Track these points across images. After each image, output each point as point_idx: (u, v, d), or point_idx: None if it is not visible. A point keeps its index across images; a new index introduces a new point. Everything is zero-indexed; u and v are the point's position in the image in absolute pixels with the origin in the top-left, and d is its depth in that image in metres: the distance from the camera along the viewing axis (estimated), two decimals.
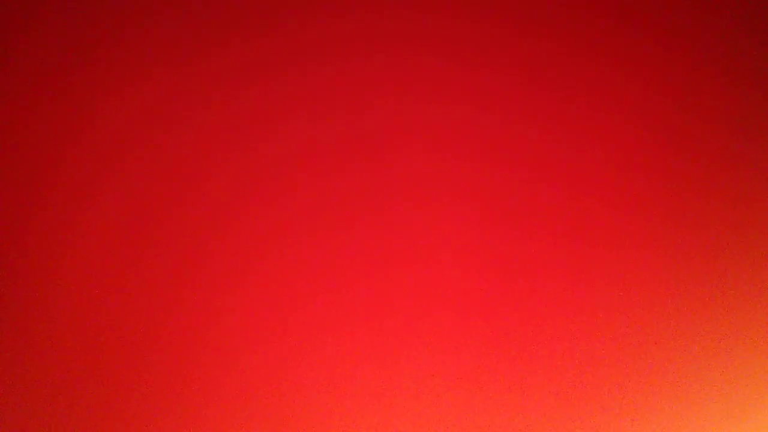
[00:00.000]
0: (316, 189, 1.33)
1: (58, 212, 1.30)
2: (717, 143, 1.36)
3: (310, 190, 1.33)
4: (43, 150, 1.31)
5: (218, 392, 1.28)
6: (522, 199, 1.34)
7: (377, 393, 1.29)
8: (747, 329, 1.32)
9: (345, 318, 1.30)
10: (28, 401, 1.26)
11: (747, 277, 1.33)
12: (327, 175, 1.33)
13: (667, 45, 1.38)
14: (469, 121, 1.36)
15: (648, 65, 1.37)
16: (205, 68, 1.34)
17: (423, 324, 1.31)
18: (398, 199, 1.33)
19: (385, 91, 1.36)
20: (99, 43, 1.33)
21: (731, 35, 1.38)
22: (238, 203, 1.32)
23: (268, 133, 1.34)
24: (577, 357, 1.31)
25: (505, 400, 1.30)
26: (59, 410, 1.26)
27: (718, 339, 1.32)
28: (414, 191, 1.34)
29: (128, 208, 1.31)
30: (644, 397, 1.31)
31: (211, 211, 1.31)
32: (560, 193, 1.34)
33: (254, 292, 1.30)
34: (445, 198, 1.34)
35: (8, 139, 1.31)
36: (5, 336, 1.27)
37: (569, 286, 1.32)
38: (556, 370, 1.30)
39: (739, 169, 1.35)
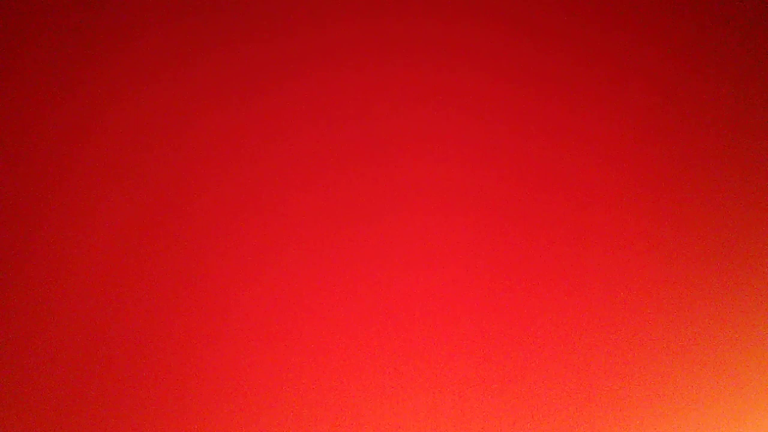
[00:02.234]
0: (320, 193, 1.33)
1: (61, 214, 1.30)
2: (716, 144, 1.36)
3: (314, 194, 1.33)
4: (47, 152, 1.31)
5: (223, 394, 1.28)
6: (524, 203, 1.34)
7: (381, 395, 1.29)
8: (747, 331, 1.33)
9: (349, 321, 1.30)
10: (29, 401, 1.26)
11: (747, 278, 1.34)
12: (331, 179, 1.34)
13: (666, 46, 1.38)
14: (469, 126, 1.36)
15: (648, 68, 1.38)
16: (210, 73, 1.34)
17: (427, 327, 1.31)
18: (402, 203, 1.34)
19: (388, 96, 1.36)
20: (106, 45, 1.33)
21: (731, 35, 1.39)
22: (243, 207, 1.32)
23: (273, 137, 1.34)
24: (579, 360, 1.31)
25: (510, 403, 1.30)
26: (61, 410, 1.26)
27: (718, 341, 1.33)
28: (418, 195, 1.34)
29: (132, 210, 1.31)
30: (647, 402, 1.31)
31: (217, 213, 1.32)
32: (561, 196, 1.35)
33: (259, 295, 1.30)
34: (448, 202, 1.34)
35: (12, 140, 1.31)
36: (7, 336, 1.27)
37: (571, 290, 1.33)
38: (558, 374, 1.31)
39: (739, 171, 1.36)
